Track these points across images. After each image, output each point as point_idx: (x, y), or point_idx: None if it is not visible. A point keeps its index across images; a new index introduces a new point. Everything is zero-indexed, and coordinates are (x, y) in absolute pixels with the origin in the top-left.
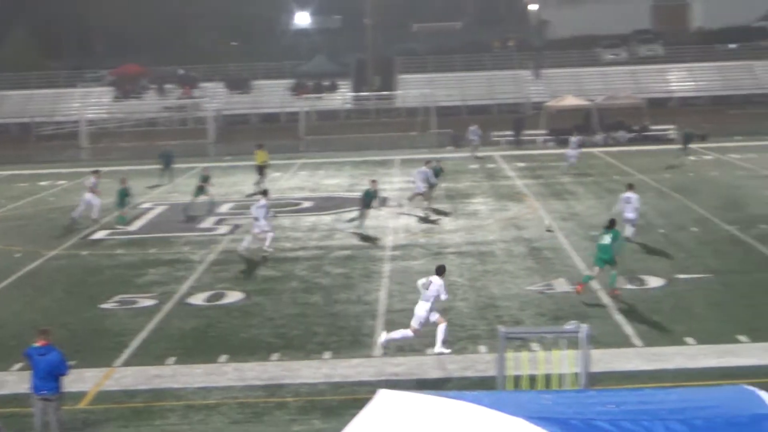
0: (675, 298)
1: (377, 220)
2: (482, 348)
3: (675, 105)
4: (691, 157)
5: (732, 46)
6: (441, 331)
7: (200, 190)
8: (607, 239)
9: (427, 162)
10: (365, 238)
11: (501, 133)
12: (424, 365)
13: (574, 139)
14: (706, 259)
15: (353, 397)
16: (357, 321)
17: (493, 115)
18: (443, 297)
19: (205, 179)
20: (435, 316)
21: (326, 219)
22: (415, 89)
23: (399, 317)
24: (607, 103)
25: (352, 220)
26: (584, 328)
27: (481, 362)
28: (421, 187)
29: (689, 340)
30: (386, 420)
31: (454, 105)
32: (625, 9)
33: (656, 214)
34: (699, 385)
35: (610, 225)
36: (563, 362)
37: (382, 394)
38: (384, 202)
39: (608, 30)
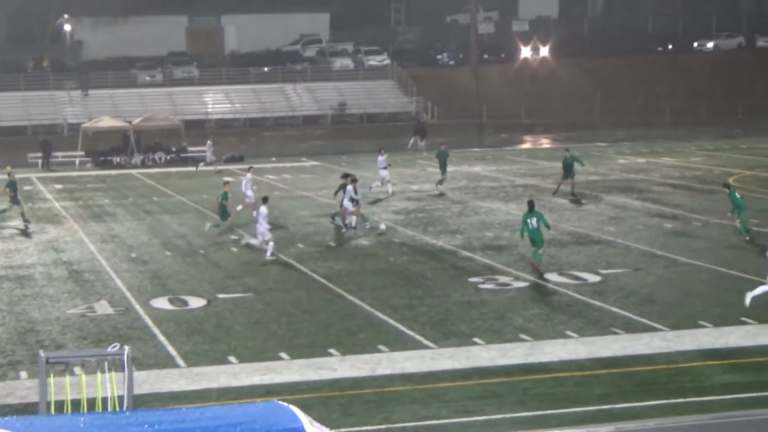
0: (217, 317)
1: None
2: (23, 374)
3: (212, 127)
4: (228, 178)
5: (265, 69)
6: None
7: None
8: (535, 223)
9: None
10: None
11: (35, 154)
12: None
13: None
14: (247, 278)
15: None
16: None
17: (27, 137)
18: None
19: None
20: None
21: None
22: None
23: None
24: (145, 124)
25: None
26: (126, 350)
27: (22, 388)
28: None
29: (232, 358)
30: None
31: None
32: (160, 32)
33: (195, 235)
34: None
35: (531, 208)
36: (107, 385)
37: None
38: None
39: (144, 52)
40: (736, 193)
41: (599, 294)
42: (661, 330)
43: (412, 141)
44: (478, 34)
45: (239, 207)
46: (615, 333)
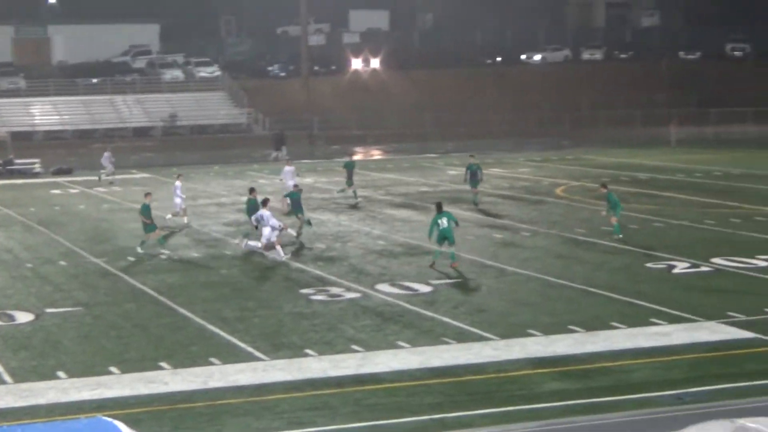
0: (45, 332)
1: None
2: None
3: (41, 139)
4: (56, 191)
5: (94, 80)
6: None
7: None
8: (445, 222)
9: None
10: None
11: None
12: None
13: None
14: (76, 292)
15: None
16: None
17: None
18: None
19: None
20: None
21: None
22: None
23: None
24: None
25: None
26: None
27: None
28: None
29: (61, 374)
30: None
31: None
32: None
33: (23, 249)
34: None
35: (439, 209)
36: None
37: None
38: None
39: None
40: (613, 194)
41: (430, 304)
42: (491, 339)
43: (274, 154)
44: (308, 46)
45: (168, 216)
46: (446, 343)
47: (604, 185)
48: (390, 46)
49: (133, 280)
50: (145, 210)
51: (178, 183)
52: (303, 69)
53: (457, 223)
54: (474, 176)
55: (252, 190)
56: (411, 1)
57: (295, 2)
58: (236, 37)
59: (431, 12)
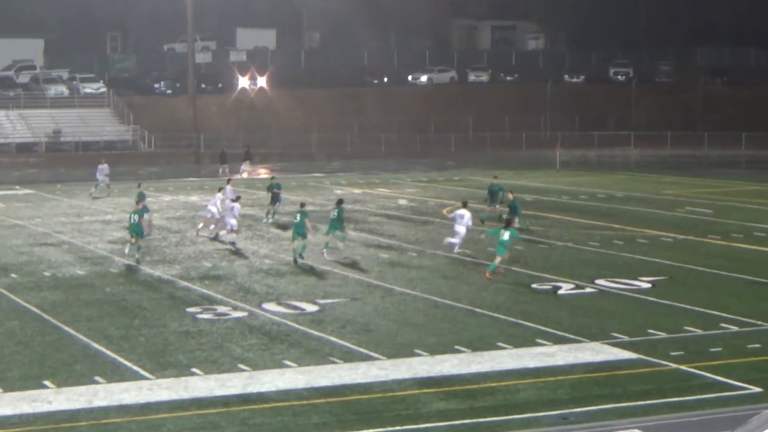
0: None
1: None
2: None
3: None
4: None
5: None
6: None
7: None
8: (506, 235)
9: None
10: None
11: None
12: None
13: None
14: None
15: None
16: None
17: None
18: None
19: None
20: None
21: None
22: None
23: None
24: None
25: None
26: None
27: None
28: None
29: None
30: None
31: None
32: None
33: None
34: None
35: (507, 224)
36: None
37: None
38: None
39: None
40: (517, 201)
41: (317, 323)
42: (378, 359)
43: (242, 166)
44: (195, 64)
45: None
46: (333, 362)
47: (510, 191)
48: (277, 65)
49: (17, 298)
50: (140, 214)
51: (221, 194)
52: (189, 86)
53: (517, 238)
54: (494, 196)
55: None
56: (298, 21)
57: (182, 19)
58: (122, 53)
59: (318, 31)
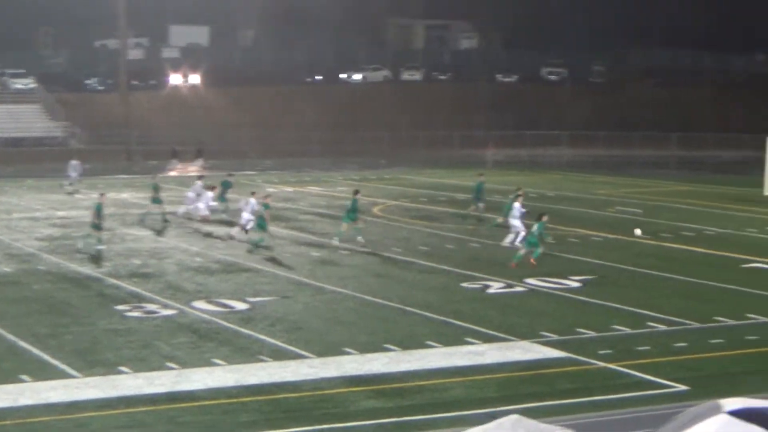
0: None
1: None
2: None
3: None
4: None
5: None
6: None
7: None
8: (536, 228)
9: None
10: None
11: None
12: None
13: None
14: None
15: None
16: None
17: None
18: None
19: None
20: None
21: None
22: None
23: None
24: None
25: None
26: None
27: None
28: None
29: None
30: None
31: None
32: None
33: None
34: None
35: (539, 218)
36: None
37: None
38: None
39: None
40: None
41: (247, 322)
42: (307, 357)
43: (200, 162)
44: (127, 60)
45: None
46: (262, 360)
47: (356, 191)
48: (210, 62)
49: None
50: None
51: (252, 200)
52: (121, 83)
53: (542, 234)
54: (480, 193)
55: (356, 192)
56: (232, 18)
57: (114, 15)
58: (53, 49)
59: (252, 29)
